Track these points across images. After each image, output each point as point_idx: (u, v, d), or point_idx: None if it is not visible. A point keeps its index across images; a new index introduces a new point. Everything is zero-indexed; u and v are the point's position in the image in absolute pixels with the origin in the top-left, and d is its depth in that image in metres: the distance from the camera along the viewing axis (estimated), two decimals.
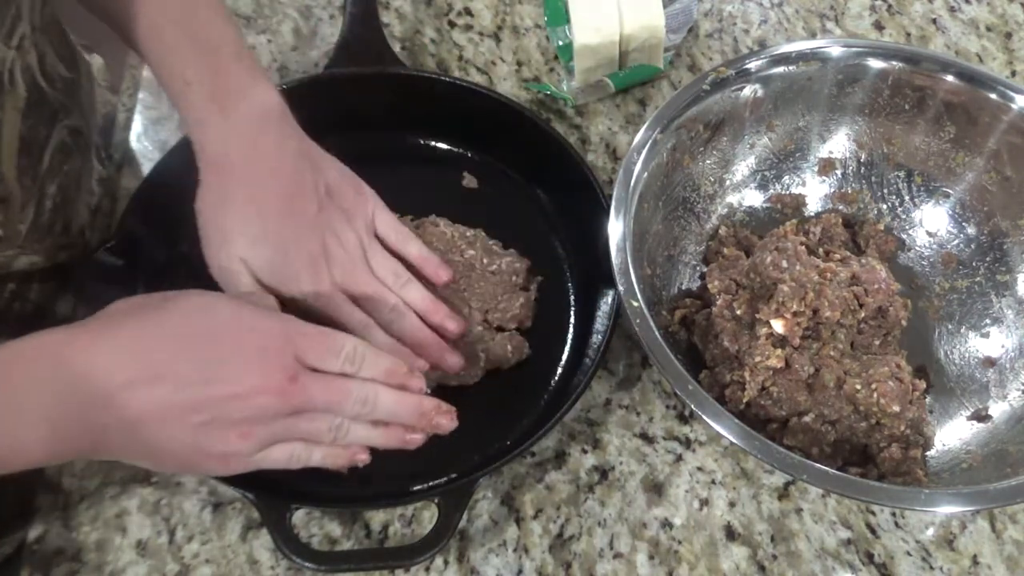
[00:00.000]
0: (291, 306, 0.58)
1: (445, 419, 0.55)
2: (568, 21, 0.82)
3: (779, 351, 0.61)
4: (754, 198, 0.74)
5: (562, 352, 0.69)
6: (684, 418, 0.67)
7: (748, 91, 0.70)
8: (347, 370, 0.52)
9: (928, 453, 0.63)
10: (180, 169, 0.69)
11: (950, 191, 0.72)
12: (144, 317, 0.49)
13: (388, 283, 0.62)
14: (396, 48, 0.80)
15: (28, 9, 0.57)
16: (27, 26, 0.57)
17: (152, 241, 0.67)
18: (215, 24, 0.58)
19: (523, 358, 0.67)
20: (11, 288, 0.64)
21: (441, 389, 0.66)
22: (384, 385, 0.53)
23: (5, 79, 0.56)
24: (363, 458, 0.55)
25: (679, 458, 0.66)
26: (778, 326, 0.61)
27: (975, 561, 0.63)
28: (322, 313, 0.59)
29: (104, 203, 0.74)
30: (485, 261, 0.69)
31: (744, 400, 0.62)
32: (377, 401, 0.53)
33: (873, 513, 0.64)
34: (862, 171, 0.74)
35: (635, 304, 0.59)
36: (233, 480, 0.58)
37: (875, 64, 0.70)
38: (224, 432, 0.49)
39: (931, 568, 0.62)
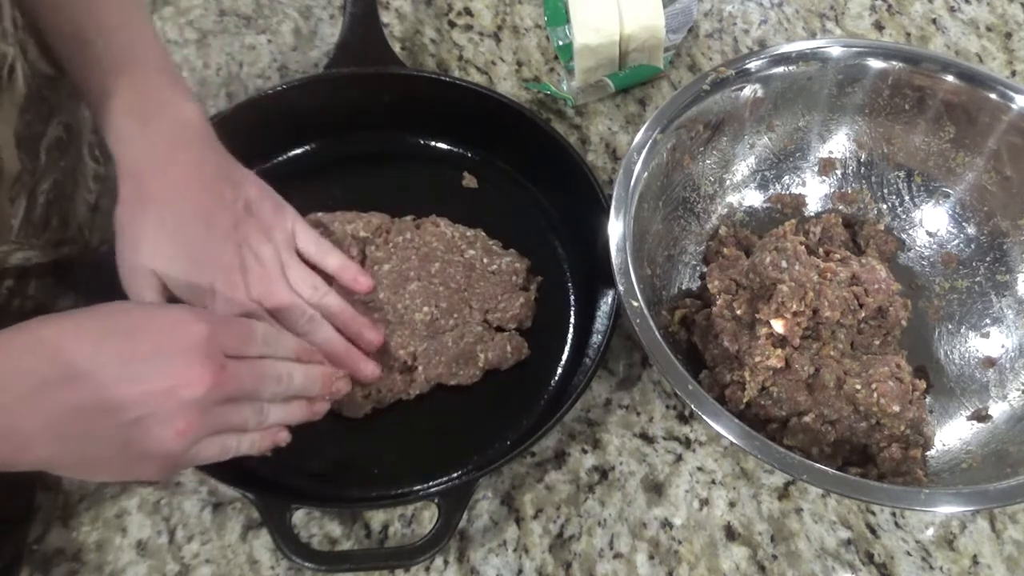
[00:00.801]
0: None
1: (343, 383, 0.60)
2: (568, 21, 0.82)
3: (779, 351, 0.61)
4: (754, 198, 0.74)
5: (562, 352, 0.69)
6: (684, 418, 0.67)
7: (748, 91, 0.70)
8: (265, 352, 0.55)
9: (928, 453, 0.63)
10: None
11: (950, 191, 0.72)
12: (60, 322, 0.49)
13: (305, 296, 0.63)
14: (396, 48, 0.80)
15: (9, 6, 0.57)
16: (9, 23, 0.57)
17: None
18: (141, 40, 0.59)
19: (523, 358, 0.67)
20: (8, 285, 0.64)
21: (441, 389, 0.66)
22: (294, 362, 0.57)
23: (4, 75, 0.57)
24: (284, 436, 0.58)
25: (679, 458, 0.66)
26: (778, 326, 0.61)
27: (975, 561, 0.63)
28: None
29: (104, 201, 0.74)
30: (485, 261, 0.69)
31: (744, 400, 0.62)
32: (292, 376, 0.56)
33: (873, 513, 0.64)
34: (862, 171, 0.74)
35: (635, 304, 0.59)
36: (233, 480, 0.58)
37: (875, 64, 0.70)
38: (159, 428, 0.49)
39: (931, 568, 0.62)
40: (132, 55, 0.58)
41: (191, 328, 0.50)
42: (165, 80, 0.59)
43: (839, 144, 0.74)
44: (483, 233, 0.71)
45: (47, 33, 0.60)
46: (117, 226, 0.58)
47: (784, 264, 0.63)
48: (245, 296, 0.60)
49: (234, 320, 0.56)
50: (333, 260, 0.66)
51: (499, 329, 0.68)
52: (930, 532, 0.64)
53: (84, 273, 0.67)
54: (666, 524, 0.63)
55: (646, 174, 0.65)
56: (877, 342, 0.65)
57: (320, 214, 0.70)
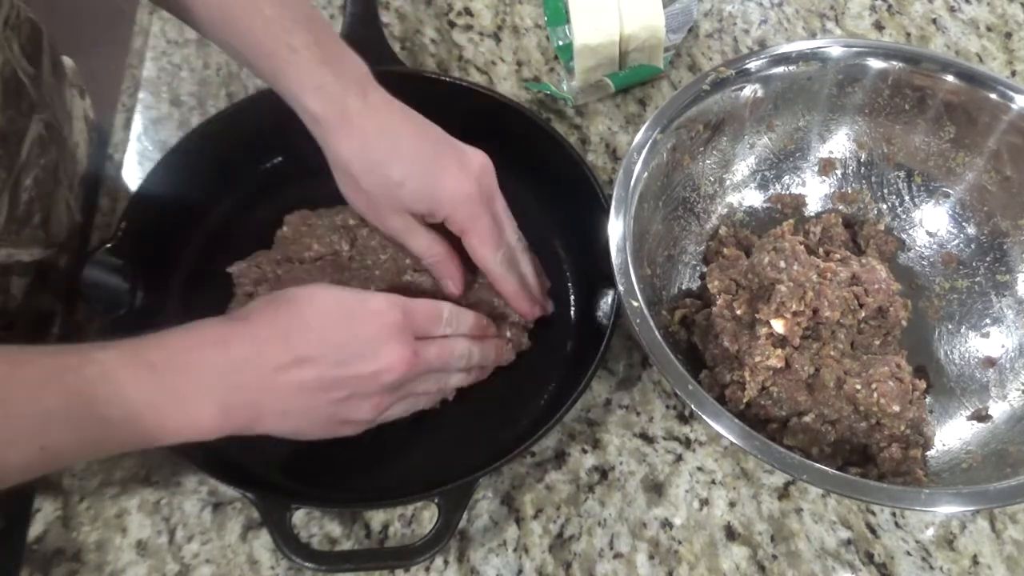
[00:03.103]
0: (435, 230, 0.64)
1: (510, 353, 0.67)
2: (568, 21, 0.82)
3: (779, 351, 0.61)
4: (754, 198, 0.74)
5: (562, 352, 0.69)
6: (684, 418, 0.67)
7: (748, 91, 0.70)
8: (447, 332, 0.61)
9: (928, 453, 0.63)
10: (180, 169, 0.70)
11: (950, 191, 0.72)
12: (289, 311, 0.56)
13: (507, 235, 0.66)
14: (396, 48, 0.80)
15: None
16: None
17: (152, 241, 0.67)
18: (304, 14, 0.61)
19: (524, 348, 0.68)
20: None
21: None
22: (471, 339, 0.63)
23: None
24: (450, 391, 0.64)
25: (679, 458, 0.66)
26: (778, 326, 0.61)
27: (975, 561, 0.63)
28: (474, 228, 0.63)
29: (105, 203, 0.74)
30: None
31: (744, 400, 0.62)
32: (471, 353, 0.62)
33: (873, 513, 0.64)
34: (862, 171, 0.74)
35: (635, 304, 0.59)
36: (233, 480, 0.58)
37: (875, 64, 0.70)
38: (360, 404, 0.56)
39: (931, 568, 0.62)
40: (304, 15, 0.61)
41: (389, 317, 0.56)
42: (334, 37, 0.62)
43: (839, 144, 0.74)
44: None
45: (212, 12, 0.61)
46: (342, 170, 0.62)
47: (783, 264, 0.63)
48: (479, 192, 0.62)
49: (424, 303, 0.60)
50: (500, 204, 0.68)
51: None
52: (930, 532, 0.64)
53: (84, 274, 0.67)
54: (666, 524, 0.63)
55: (646, 174, 0.65)
56: (877, 342, 0.65)
57: (306, 211, 0.70)
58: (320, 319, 0.56)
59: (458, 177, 0.61)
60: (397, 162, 0.61)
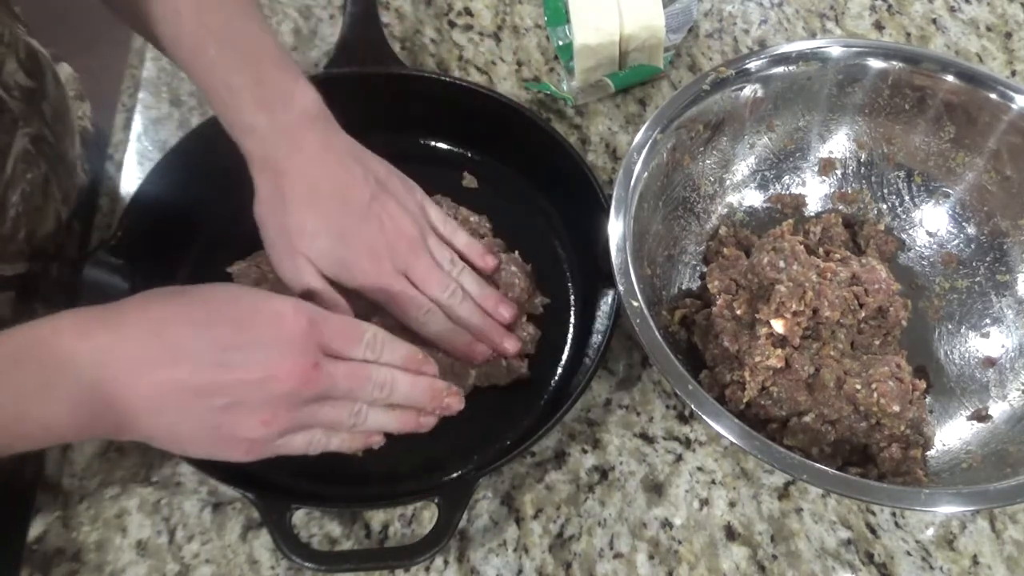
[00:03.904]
0: (355, 295, 0.60)
1: (454, 400, 0.58)
2: (568, 21, 0.82)
3: (779, 351, 0.61)
4: (754, 198, 0.74)
5: (562, 352, 0.69)
6: (684, 418, 0.67)
7: (748, 91, 0.70)
8: (368, 357, 0.54)
9: (928, 453, 0.63)
10: (180, 169, 0.70)
11: (950, 191, 0.72)
12: (168, 302, 0.51)
13: (445, 269, 0.64)
14: (396, 48, 0.80)
15: None
16: None
17: (152, 241, 0.67)
18: (254, 33, 0.60)
19: (521, 377, 0.67)
20: None
21: None
22: (401, 370, 0.56)
23: None
24: (378, 440, 0.58)
25: (679, 458, 0.66)
26: (778, 326, 0.61)
27: (975, 561, 0.63)
28: (386, 299, 0.61)
29: (104, 203, 0.74)
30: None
31: (744, 400, 0.62)
32: (395, 385, 0.55)
33: (873, 513, 0.64)
34: (862, 171, 0.74)
35: (635, 304, 0.59)
36: (233, 480, 0.58)
37: (875, 64, 0.70)
38: (247, 417, 0.50)
39: (931, 568, 0.62)
40: (251, 54, 0.59)
41: (291, 321, 0.51)
42: (285, 74, 0.60)
43: (839, 144, 0.74)
44: (488, 224, 0.71)
45: (168, 47, 0.60)
46: (259, 221, 0.60)
47: (782, 264, 0.63)
48: (391, 270, 0.60)
49: (341, 319, 0.55)
50: (461, 237, 0.66)
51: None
52: (930, 532, 0.64)
53: (83, 274, 0.67)
54: (666, 524, 0.63)
55: (646, 174, 0.65)
56: (877, 342, 0.65)
57: None
58: (207, 314, 0.50)
59: (369, 254, 0.59)
60: (312, 214, 0.58)
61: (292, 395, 0.51)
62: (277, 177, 0.59)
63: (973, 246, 0.71)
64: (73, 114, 0.74)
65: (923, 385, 0.63)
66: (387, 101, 0.75)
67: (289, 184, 0.59)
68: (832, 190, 0.75)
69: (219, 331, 0.50)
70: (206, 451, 0.53)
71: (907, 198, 0.74)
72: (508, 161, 0.76)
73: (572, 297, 0.71)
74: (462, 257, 0.66)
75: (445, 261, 0.64)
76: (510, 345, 0.65)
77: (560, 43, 0.84)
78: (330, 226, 0.59)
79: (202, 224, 0.72)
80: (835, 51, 0.70)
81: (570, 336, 0.69)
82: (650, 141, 0.65)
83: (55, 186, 0.67)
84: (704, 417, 0.55)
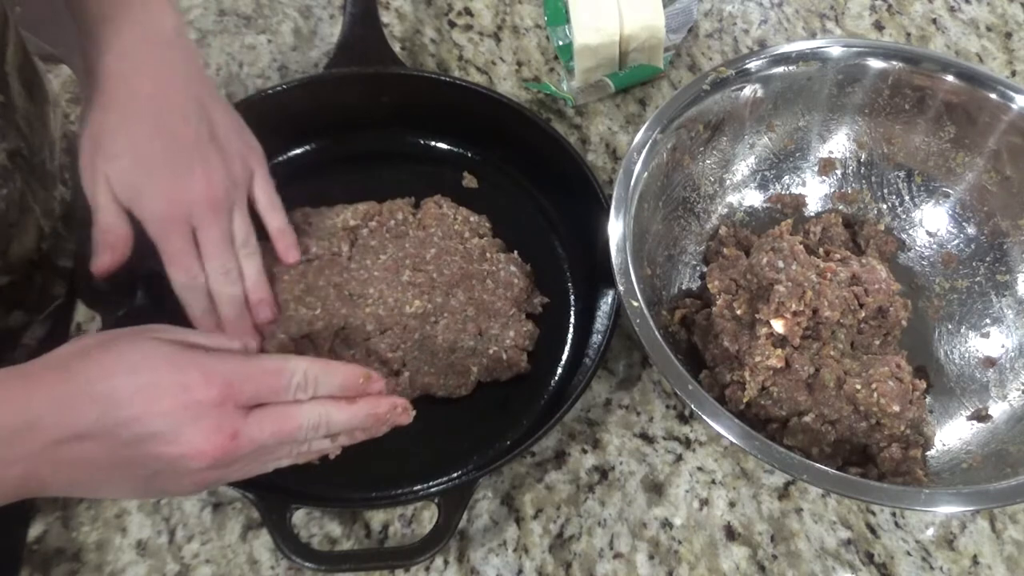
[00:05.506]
0: (138, 228, 0.58)
1: (402, 418, 0.55)
2: (568, 21, 0.82)
3: (779, 351, 0.61)
4: (754, 198, 0.74)
5: (562, 352, 0.69)
6: (684, 418, 0.67)
7: (748, 91, 0.70)
8: (300, 397, 0.51)
9: (928, 453, 0.63)
10: None
11: (950, 191, 0.72)
12: (75, 369, 0.47)
13: (237, 242, 0.61)
14: (396, 48, 0.80)
15: None
16: None
17: (149, 246, 0.67)
18: None
19: (522, 372, 0.67)
20: None
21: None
22: (336, 402, 0.52)
23: None
24: (334, 450, 0.55)
25: (679, 458, 0.66)
26: (778, 326, 0.61)
27: (975, 561, 0.63)
28: (162, 247, 0.58)
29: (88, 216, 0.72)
30: (487, 256, 0.69)
31: (744, 400, 0.62)
32: (330, 422, 0.52)
33: (873, 513, 0.64)
34: (862, 171, 0.74)
35: (635, 304, 0.59)
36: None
37: (875, 64, 0.70)
38: (177, 480, 0.49)
39: (931, 568, 0.62)
40: None
41: (201, 393, 0.47)
42: None
43: (839, 144, 0.74)
44: (488, 224, 0.71)
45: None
46: (79, 125, 0.58)
47: (781, 264, 0.63)
48: (183, 219, 0.58)
49: (263, 368, 0.51)
50: (277, 220, 0.64)
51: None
52: (930, 532, 0.64)
53: (83, 278, 0.66)
54: (666, 524, 0.63)
55: (646, 174, 0.65)
56: (877, 342, 0.65)
57: (307, 208, 0.70)
58: (114, 384, 0.47)
59: (167, 192, 0.57)
60: (125, 134, 0.57)
61: (216, 464, 0.48)
62: (107, 95, 0.57)
63: (973, 246, 0.71)
64: (52, 124, 0.71)
65: (923, 385, 0.63)
66: (387, 101, 0.75)
67: (116, 100, 0.57)
68: (832, 190, 0.75)
69: (125, 405, 0.46)
70: (145, 498, 0.52)
71: (907, 198, 0.74)
72: (508, 161, 0.76)
73: (572, 297, 0.71)
74: (274, 239, 0.64)
75: (240, 235, 0.61)
76: (250, 345, 0.57)
77: (560, 43, 0.84)
78: (138, 152, 0.57)
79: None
80: (835, 51, 0.70)
81: (570, 336, 0.69)
82: (650, 141, 0.65)
83: (32, 200, 0.65)
84: (704, 417, 0.55)
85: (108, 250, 0.59)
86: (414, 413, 0.56)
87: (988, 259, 0.71)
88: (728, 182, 0.73)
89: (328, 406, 0.52)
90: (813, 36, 0.87)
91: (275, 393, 0.50)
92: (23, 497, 0.47)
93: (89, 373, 0.47)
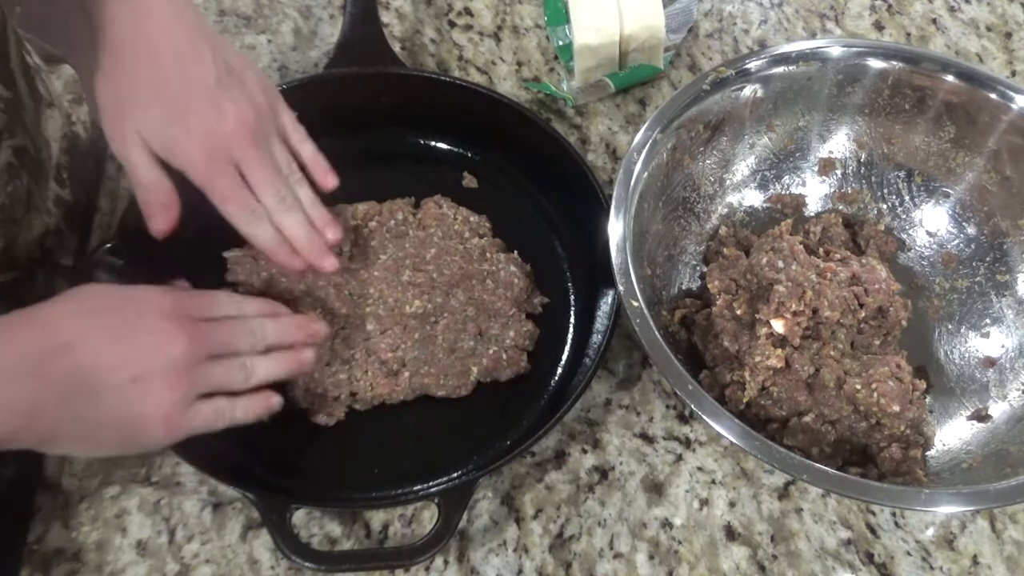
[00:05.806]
0: (182, 177, 0.59)
1: (318, 325, 0.63)
2: (568, 21, 0.82)
3: (779, 351, 0.61)
4: (754, 198, 0.74)
5: (562, 352, 0.69)
6: (684, 418, 0.67)
7: (748, 91, 0.70)
8: (231, 313, 0.59)
9: (928, 453, 0.63)
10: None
11: (950, 191, 0.72)
12: (48, 305, 0.52)
13: (282, 173, 0.61)
14: (396, 48, 0.80)
15: None
16: None
17: (152, 241, 0.67)
18: None
19: (522, 372, 0.67)
20: None
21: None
22: (263, 316, 0.60)
23: None
24: (276, 401, 0.59)
25: (679, 458, 0.66)
26: (778, 326, 0.61)
27: (975, 561, 0.63)
28: (212, 191, 0.59)
29: (105, 203, 0.74)
30: (487, 257, 0.69)
31: (744, 400, 0.62)
32: (264, 328, 0.59)
33: (873, 513, 0.64)
34: (862, 171, 0.74)
35: (635, 304, 0.59)
36: (233, 480, 0.58)
37: (875, 64, 0.70)
38: (154, 385, 0.52)
39: (931, 568, 0.62)
40: None
41: (160, 300, 0.54)
42: None
43: (839, 144, 0.74)
44: (488, 224, 0.71)
45: None
46: (97, 97, 0.58)
47: (780, 264, 0.63)
48: (225, 157, 0.58)
49: (196, 292, 0.59)
50: (308, 148, 0.64)
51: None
52: (930, 532, 0.64)
53: (84, 274, 0.67)
54: (666, 524, 0.63)
55: (646, 174, 0.65)
56: (877, 342, 0.65)
57: None
58: (86, 306, 0.53)
59: (203, 132, 0.57)
60: (146, 83, 0.56)
61: (187, 355, 0.53)
62: (119, 51, 0.57)
63: (973, 246, 0.71)
64: (49, 124, 0.71)
65: (923, 385, 0.63)
66: (387, 101, 0.75)
67: (130, 50, 0.56)
68: (832, 190, 0.75)
69: (101, 317, 0.52)
70: (124, 439, 0.53)
71: (907, 198, 0.74)
72: (508, 161, 0.76)
73: (572, 297, 0.71)
74: (305, 169, 0.63)
75: (284, 164, 0.61)
76: (328, 264, 0.62)
77: (560, 43, 0.84)
78: (163, 98, 0.57)
79: (202, 224, 0.72)
80: (835, 51, 0.70)
81: (570, 336, 0.70)
82: (650, 141, 0.65)
83: (38, 196, 0.66)
84: (704, 417, 0.55)
85: (161, 210, 0.60)
86: (328, 328, 0.64)
87: (988, 259, 0.71)
88: (728, 182, 0.73)
89: (259, 318, 0.60)
90: (813, 36, 0.87)
91: (211, 307, 0.58)
92: (24, 439, 0.50)
93: (61, 301, 0.53)
